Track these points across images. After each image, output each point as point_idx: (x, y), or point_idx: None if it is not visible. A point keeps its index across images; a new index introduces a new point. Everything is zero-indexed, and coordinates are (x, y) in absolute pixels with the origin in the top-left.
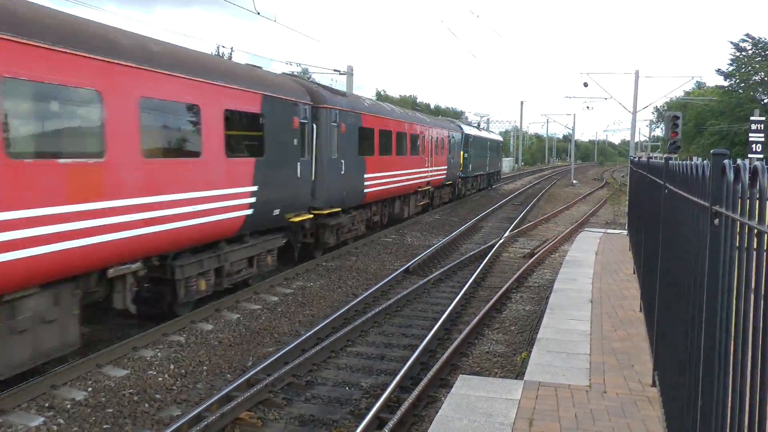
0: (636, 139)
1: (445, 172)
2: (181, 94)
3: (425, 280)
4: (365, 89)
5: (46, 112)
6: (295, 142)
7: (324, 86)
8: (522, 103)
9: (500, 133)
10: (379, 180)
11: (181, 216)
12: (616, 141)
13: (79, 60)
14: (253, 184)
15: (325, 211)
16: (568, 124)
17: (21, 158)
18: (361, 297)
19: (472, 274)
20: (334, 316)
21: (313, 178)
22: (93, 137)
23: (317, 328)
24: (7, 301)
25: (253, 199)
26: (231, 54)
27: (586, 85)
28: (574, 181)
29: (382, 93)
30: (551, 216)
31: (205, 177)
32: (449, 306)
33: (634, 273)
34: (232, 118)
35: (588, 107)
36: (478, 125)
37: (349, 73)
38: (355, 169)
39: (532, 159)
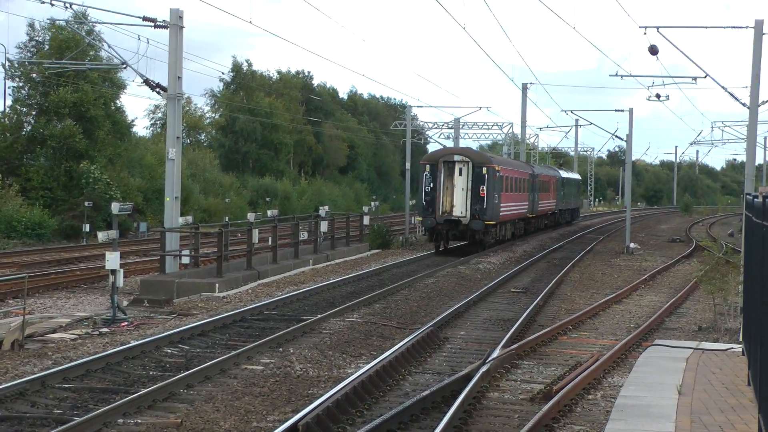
0: (759, 160)
1: (555, 203)
2: (520, 174)
3: None
4: (219, 54)
5: (511, 181)
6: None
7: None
8: (526, 88)
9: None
10: (544, 203)
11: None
12: (717, 164)
13: (513, 170)
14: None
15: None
16: (620, 129)
17: (507, 191)
18: None
19: None
20: None
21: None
22: (522, 186)
23: None
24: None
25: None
26: None
27: (654, 51)
28: (632, 245)
29: (244, 66)
30: (586, 315)
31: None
32: None
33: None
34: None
35: (658, 97)
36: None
37: (176, 26)
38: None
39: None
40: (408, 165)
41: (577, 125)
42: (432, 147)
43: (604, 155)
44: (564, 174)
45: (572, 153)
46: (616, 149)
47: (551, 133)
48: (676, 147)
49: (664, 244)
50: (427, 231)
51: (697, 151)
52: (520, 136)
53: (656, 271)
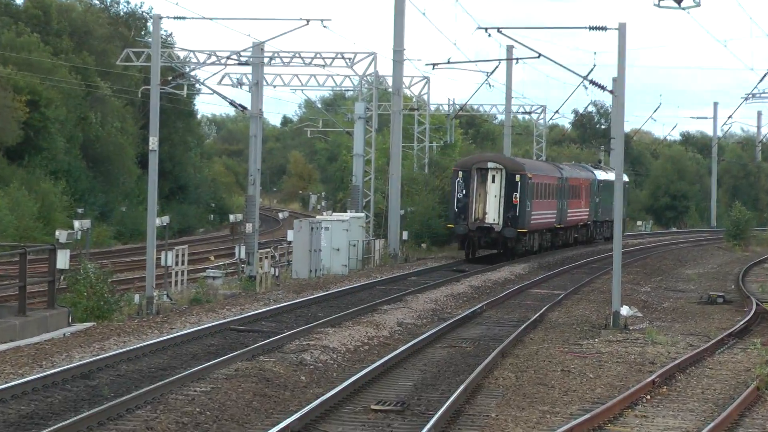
0: None
1: (588, 213)
2: (549, 179)
3: None
4: None
5: (540, 187)
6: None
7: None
8: None
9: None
10: (574, 212)
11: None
12: None
13: (543, 176)
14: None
15: None
16: (598, 68)
17: (536, 199)
18: None
19: None
20: None
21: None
22: (550, 192)
23: None
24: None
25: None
26: None
27: None
28: (626, 311)
29: None
30: None
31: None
32: None
33: None
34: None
35: (678, 1)
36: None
37: None
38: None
39: (428, 224)
40: (154, 141)
41: (509, 60)
42: (203, 102)
43: (565, 122)
44: (601, 175)
45: (500, 117)
46: (591, 110)
47: (458, 76)
48: (716, 105)
49: (691, 309)
50: (458, 238)
51: (759, 114)
52: (391, 82)
53: (675, 365)
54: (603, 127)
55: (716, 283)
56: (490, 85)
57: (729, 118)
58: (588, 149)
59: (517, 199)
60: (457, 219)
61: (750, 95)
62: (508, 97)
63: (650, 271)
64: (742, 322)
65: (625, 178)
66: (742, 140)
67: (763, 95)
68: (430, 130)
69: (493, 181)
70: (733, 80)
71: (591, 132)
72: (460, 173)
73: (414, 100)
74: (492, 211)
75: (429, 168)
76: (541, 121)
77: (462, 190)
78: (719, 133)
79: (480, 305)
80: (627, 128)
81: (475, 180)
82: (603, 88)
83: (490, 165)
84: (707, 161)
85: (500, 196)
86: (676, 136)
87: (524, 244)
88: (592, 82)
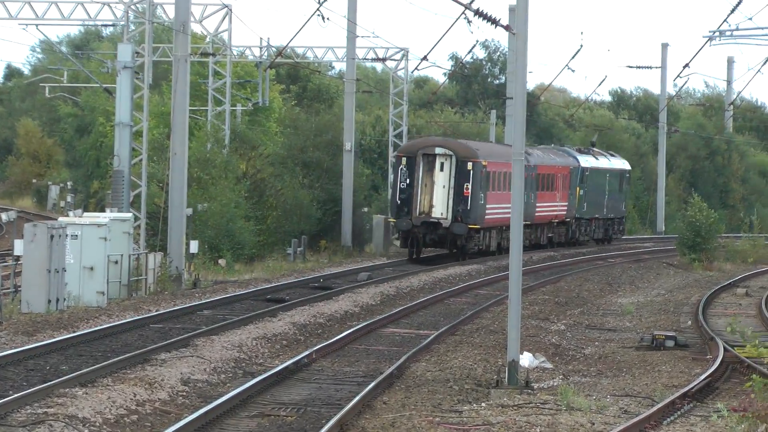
0: None
1: (566, 208)
2: (509, 166)
3: None
4: None
5: (498, 177)
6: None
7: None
8: None
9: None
10: (547, 207)
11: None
12: None
13: (502, 163)
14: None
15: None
16: None
17: (493, 190)
18: None
19: None
20: None
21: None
22: (507, 184)
23: None
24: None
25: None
26: None
27: None
28: (529, 360)
29: None
30: None
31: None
32: None
33: None
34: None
35: None
36: None
37: None
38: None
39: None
40: None
41: None
42: None
43: (440, 75)
44: (588, 162)
45: (339, 66)
46: (479, 58)
47: (275, 4)
48: (665, 48)
49: (627, 356)
50: (400, 235)
51: (731, 61)
52: (173, 12)
53: None
54: (497, 81)
55: (664, 318)
56: (324, 19)
57: (685, 67)
58: (472, 114)
59: (469, 191)
60: (399, 212)
61: (716, 33)
62: (351, 37)
63: (565, 300)
64: (702, 377)
65: (626, 166)
66: (705, 100)
67: (737, 33)
68: (234, 87)
69: (442, 170)
70: (692, 11)
71: (479, 89)
72: (404, 159)
73: (208, 40)
74: (440, 204)
75: (232, 144)
76: (402, 73)
77: (405, 179)
78: (670, 91)
79: (308, 352)
80: (532, 83)
81: (420, 168)
82: (495, 22)
83: (437, 150)
84: (651, 133)
85: (449, 187)
86: (604, 95)
87: (477, 242)
88: (478, 13)
